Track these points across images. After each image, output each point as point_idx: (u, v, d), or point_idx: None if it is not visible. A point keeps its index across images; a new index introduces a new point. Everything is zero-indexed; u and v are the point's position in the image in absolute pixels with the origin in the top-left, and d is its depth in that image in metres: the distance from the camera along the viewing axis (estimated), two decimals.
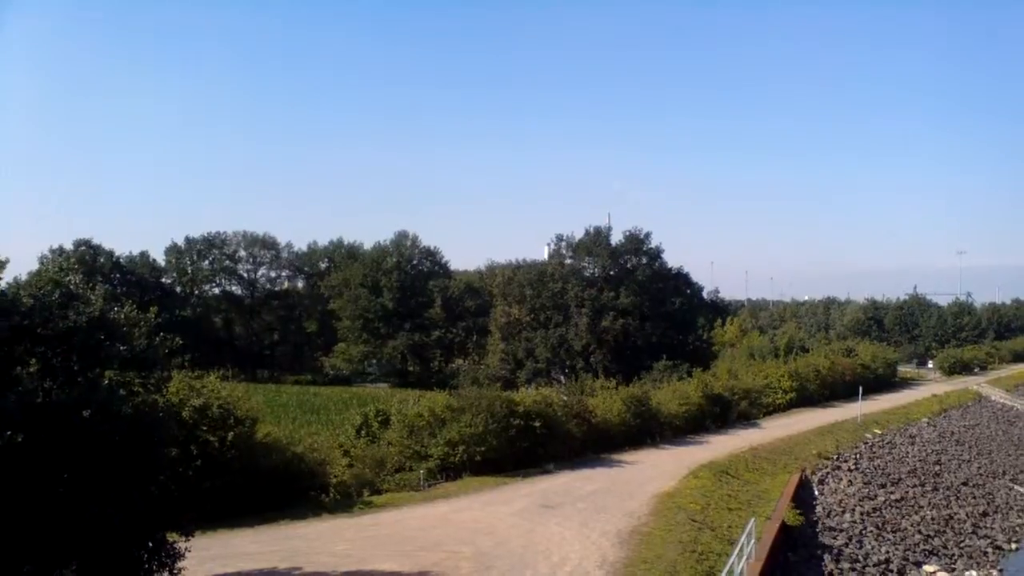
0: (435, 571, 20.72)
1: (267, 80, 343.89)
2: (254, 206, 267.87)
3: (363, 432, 36.63)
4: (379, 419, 36.95)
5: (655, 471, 35.83)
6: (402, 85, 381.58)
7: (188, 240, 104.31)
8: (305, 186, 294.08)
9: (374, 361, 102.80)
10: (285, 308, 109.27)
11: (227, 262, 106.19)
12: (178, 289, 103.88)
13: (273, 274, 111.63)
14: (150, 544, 14.94)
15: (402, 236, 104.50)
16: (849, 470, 42.32)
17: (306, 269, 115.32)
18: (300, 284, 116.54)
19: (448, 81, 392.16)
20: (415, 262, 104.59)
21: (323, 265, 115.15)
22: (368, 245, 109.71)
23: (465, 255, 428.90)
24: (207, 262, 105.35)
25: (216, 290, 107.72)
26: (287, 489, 27.86)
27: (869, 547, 31.65)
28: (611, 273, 71.42)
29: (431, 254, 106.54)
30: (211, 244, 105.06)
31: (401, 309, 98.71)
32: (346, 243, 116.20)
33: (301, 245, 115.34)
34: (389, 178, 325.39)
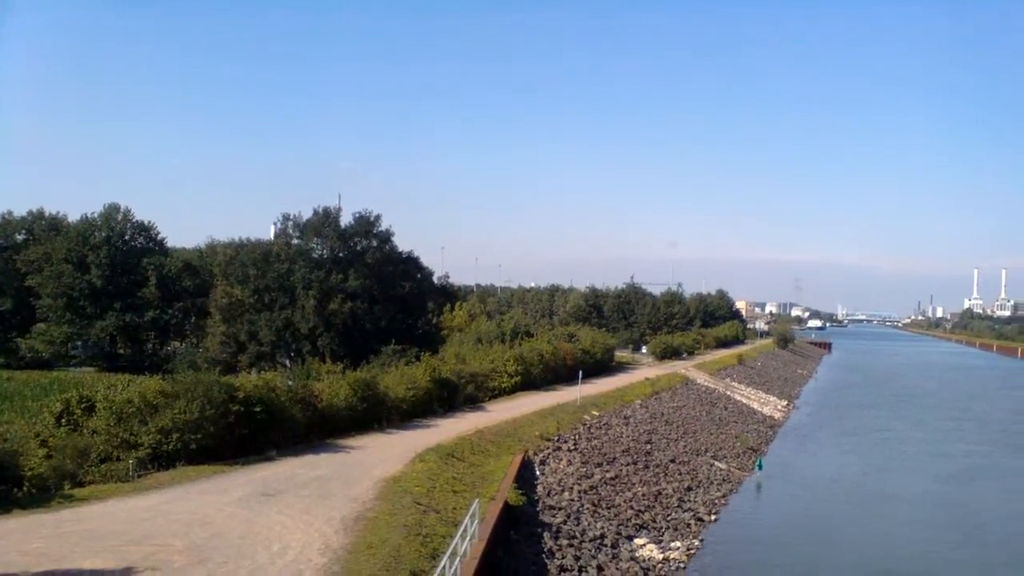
0: (143, 566, 19.35)
1: None
2: None
3: (64, 420, 33.56)
4: (83, 406, 33.98)
5: (382, 455, 35.58)
6: (119, 76, 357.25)
7: None
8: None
9: (79, 343, 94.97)
10: None
11: None
12: None
13: None
14: None
15: (113, 209, 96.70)
16: (569, 450, 44.08)
17: (0, 241, 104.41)
18: None
19: (163, 58, 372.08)
20: (127, 237, 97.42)
21: (20, 237, 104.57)
22: (74, 217, 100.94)
23: (183, 232, 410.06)
24: None
25: None
26: None
27: (586, 523, 33.12)
28: (340, 255, 69.97)
29: (145, 229, 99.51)
30: None
31: (111, 287, 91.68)
32: (48, 214, 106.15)
33: None
34: (98, 147, 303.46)
